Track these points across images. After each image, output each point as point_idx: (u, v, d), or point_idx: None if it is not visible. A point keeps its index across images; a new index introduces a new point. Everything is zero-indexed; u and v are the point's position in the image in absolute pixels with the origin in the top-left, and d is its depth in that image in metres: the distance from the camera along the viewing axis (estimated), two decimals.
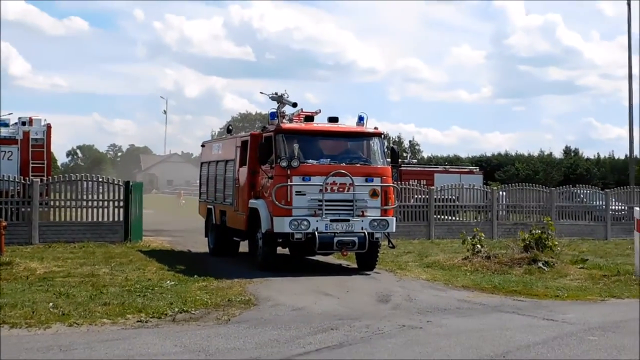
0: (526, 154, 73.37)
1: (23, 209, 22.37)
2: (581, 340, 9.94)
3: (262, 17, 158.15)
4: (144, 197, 25.19)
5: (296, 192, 16.17)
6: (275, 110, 17.79)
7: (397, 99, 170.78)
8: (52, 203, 23.09)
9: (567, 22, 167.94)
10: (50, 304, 11.68)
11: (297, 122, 18.06)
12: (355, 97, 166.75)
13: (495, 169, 66.43)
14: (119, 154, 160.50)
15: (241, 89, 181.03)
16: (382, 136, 17.86)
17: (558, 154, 73.58)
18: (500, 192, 30.20)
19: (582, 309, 12.59)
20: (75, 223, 22.76)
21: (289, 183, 16.09)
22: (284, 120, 17.55)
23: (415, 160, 66.06)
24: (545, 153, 73.19)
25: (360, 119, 17.64)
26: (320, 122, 18.02)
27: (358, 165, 16.85)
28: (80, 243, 21.56)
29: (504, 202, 29.96)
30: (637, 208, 17.22)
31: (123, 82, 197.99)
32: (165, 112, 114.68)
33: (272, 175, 16.38)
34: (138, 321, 10.76)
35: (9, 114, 26.79)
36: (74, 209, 23.04)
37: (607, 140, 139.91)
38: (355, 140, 17.49)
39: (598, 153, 72.38)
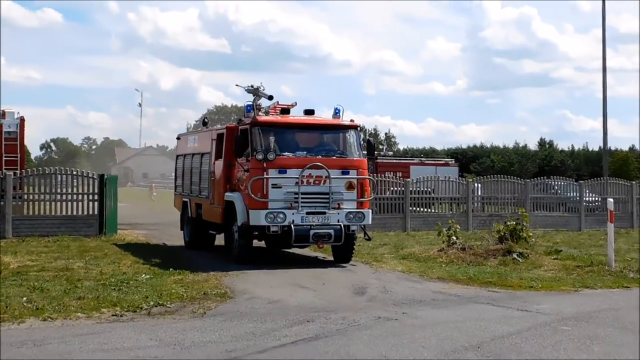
0: (501, 146, 73.99)
1: None
2: (555, 330, 10.02)
3: (238, 9, 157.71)
4: (119, 190, 25.01)
5: (272, 184, 16.14)
6: (251, 103, 17.73)
7: (373, 92, 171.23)
8: (25, 197, 22.89)
9: (542, 15, 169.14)
10: (24, 298, 11.58)
11: (273, 114, 18.02)
12: (331, 90, 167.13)
13: (471, 161, 66.86)
14: (94, 147, 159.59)
15: (217, 81, 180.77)
16: (358, 129, 17.84)
17: (533, 146, 74.33)
18: (476, 184, 30.31)
19: (556, 299, 12.69)
20: (50, 217, 22.62)
21: (265, 176, 16.06)
22: (260, 113, 17.50)
23: (391, 153, 66.29)
24: (520, 145, 73.87)
25: (336, 111, 17.63)
26: (297, 115, 17.98)
27: (334, 157, 16.84)
28: (55, 237, 21.43)
29: (480, 194, 30.09)
30: (610, 199, 17.39)
31: (97, 75, 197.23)
32: (140, 105, 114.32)
33: (248, 168, 16.35)
34: (113, 315, 10.70)
35: None
36: (48, 203, 22.88)
37: (581, 132, 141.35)
38: (331, 133, 17.49)
39: (572, 145, 73.28)
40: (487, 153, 70.00)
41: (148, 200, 52.11)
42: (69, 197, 23.04)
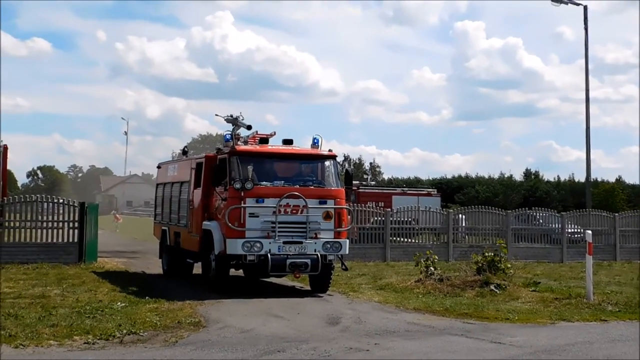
0: (486, 176, 74.00)
1: None
2: None
3: (224, 38, 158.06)
4: (101, 218, 24.99)
5: (249, 214, 16.16)
6: (230, 133, 17.80)
7: (357, 121, 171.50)
8: (6, 224, 22.85)
9: (527, 45, 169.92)
10: None
11: (252, 144, 18.10)
12: (317, 119, 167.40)
13: (456, 191, 66.90)
14: (80, 174, 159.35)
15: (203, 110, 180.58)
16: (336, 158, 17.92)
17: (518, 176, 74.37)
18: (460, 215, 30.39)
19: (531, 332, 12.65)
20: (30, 244, 22.59)
21: (243, 205, 16.09)
22: (238, 143, 17.57)
23: (374, 182, 66.32)
24: (506, 175, 73.93)
25: (315, 141, 17.70)
26: (275, 145, 18.04)
27: (312, 187, 16.88)
28: (35, 264, 21.39)
29: (464, 224, 30.16)
30: (589, 231, 17.43)
31: (84, 103, 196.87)
32: (126, 133, 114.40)
33: (226, 197, 16.39)
34: (85, 343, 10.67)
35: None
36: (29, 230, 22.85)
37: (567, 162, 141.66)
38: (309, 163, 17.56)
39: (558, 176, 73.20)
40: (472, 183, 70.08)
41: (111, 228, 51.13)
42: (50, 224, 23.02)
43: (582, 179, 57.44)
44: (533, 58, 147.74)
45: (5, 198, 23.86)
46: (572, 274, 23.41)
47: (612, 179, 66.12)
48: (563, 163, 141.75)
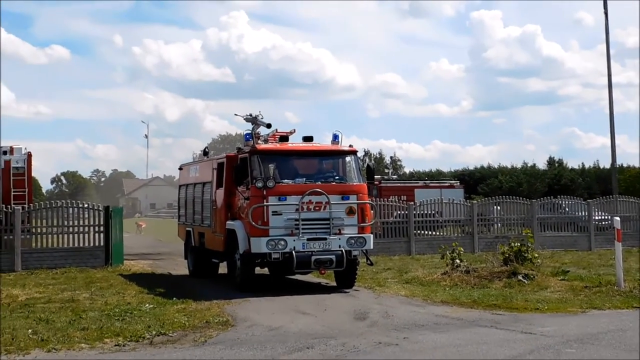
0: (509, 166, 73.33)
1: (5, 237, 22.39)
2: (558, 353, 9.94)
3: (240, 38, 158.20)
4: (125, 221, 25.14)
5: (272, 212, 16.17)
6: (249, 132, 17.83)
7: (377, 115, 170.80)
8: (33, 230, 23.12)
9: (546, 32, 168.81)
10: (30, 330, 11.74)
11: (272, 142, 18.08)
12: (335, 115, 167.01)
13: (479, 182, 66.51)
14: (103, 179, 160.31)
15: (222, 110, 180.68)
16: (357, 153, 17.88)
17: (542, 165, 73.62)
18: (495, 207, 30.25)
19: (562, 321, 12.53)
20: (57, 249, 22.81)
21: (265, 203, 16.10)
22: (258, 141, 17.58)
23: (396, 176, 66.12)
24: (529, 164, 73.23)
25: (335, 137, 17.69)
26: (295, 142, 18.05)
27: (333, 183, 16.88)
28: (63, 269, 21.62)
29: (498, 215, 30.06)
30: (617, 218, 17.26)
31: (104, 108, 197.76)
32: (146, 136, 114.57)
33: (248, 196, 16.41)
34: (115, 345, 10.77)
35: None
36: (55, 235, 23.06)
37: (591, 149, 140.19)
38: (330, 159, 17.56)
39: (582, 163, 72.28)
40: (494, 174, 69.53)
41: (136, 232, 51.63)
42: (75, 229, 23.23)
43: (607, 165, 57.04)
44: (552, 45, 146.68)
45: (31, 205, 24.16)
46: (601, 262, 23.24)
47: (638, 164, 65.39)
48: (587, 150, 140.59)
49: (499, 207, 30.30)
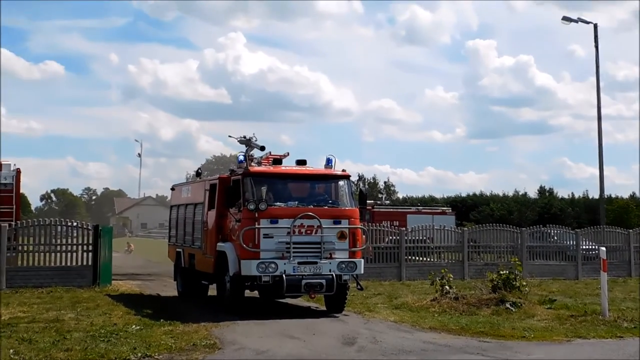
0: (501, 194, 73.87)
1: None
2: None
3: (237, 60, 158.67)
4: (114, 241, 25.00)
5: (264, 234, 16.14)
6: (243, 154, 17.84)
7: (372, 140, 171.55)
8: (20, 248, 22.87)
9: (538, 63, 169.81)
10: (12, 350, 11.56)
11: (265, 165, 18.12)
12: (331, 139, 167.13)
13: (470, 209, 66.72)
14: (94, 197, 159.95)
15: (217, 131, 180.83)
16: (350, 178, 17.89)
17: (533, 193, 74.16)
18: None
19: (548, 349, 12.63)
20: (44, 268, 22.47)
21: (257, 226, 16.07)
22: (252, 164, 17.59)
23: (388, 202, 66.15)
24: (520, 193, 73.76)
25: (328, 161, 17.72)
26: (288, 165, 18.09)
27: (326, 207, 16.86)
28: (48, 288, 21.32)
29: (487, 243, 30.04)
30: (603, 248, 17.32)
31: (97, 126, 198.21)
32: (139, 155, 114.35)
33: (240, 218, 16.38)
34: None
35: None
36: (42, 254, 22.77)
37: (581, 179, 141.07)
38: (323, 183, 17.54)
39: (572, 192, 72.89)
40: (486, 201, 69.86)
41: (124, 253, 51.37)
42: (63, 247, 22.95)
43: (596, 196, 57.17)
44: (545, 76, 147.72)
45: (18, 222, 23.92)
46: (588, 291, 23.29)
47: (626, 195, 65.76)
48: (577, 180, 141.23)
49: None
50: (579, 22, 40.68)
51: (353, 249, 16.79)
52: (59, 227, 23.72)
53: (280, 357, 11.48)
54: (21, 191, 26.44)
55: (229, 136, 19.29)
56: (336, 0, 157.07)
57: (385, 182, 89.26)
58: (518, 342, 13.31)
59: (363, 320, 16.01)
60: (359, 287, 17.27)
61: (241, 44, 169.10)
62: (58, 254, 22.79)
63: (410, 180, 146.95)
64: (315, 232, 16.38)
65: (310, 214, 16.33)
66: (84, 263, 22.81)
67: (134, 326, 14.26)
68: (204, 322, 14.89)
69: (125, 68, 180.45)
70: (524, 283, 18.51)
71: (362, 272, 17.07)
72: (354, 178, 17.94)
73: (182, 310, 17.28)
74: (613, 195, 63.17)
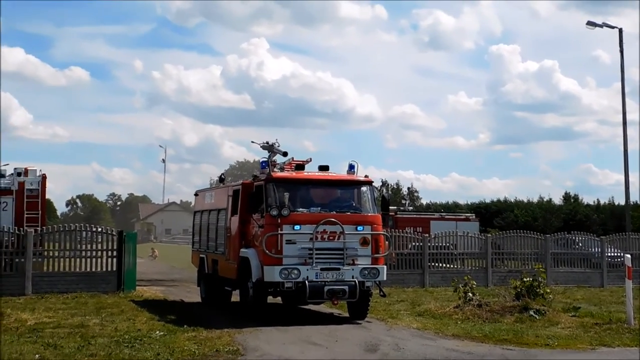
0: (525, 200, 73.22)
1: (17, 260, 22.33)
2: None
3: (260, 65, 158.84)
4: (138, 246, 25.13)
5: (286, 240, 16.17)
6: (266, 160, 17.89)
7: (395, 146, 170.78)
8: (45, 253, 23.07)
9: (563, 68, 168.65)
10: (37, 355, 11.71)
11: (288, 170, 18.15)
12: (354, 145, 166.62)
13: (494, 215, 66.27)
14: (119, 203, 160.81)
15: (240, 137, 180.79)
16: (373, 184, 17.88)
17: (557, 200, 73.48)
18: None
19: (571, 357, 12.56)
20: (69, 273, 22.68)
21: (279, 232, 16.11)
22: (274, 169, 17.62)
23: (412, 208, 66.00)
24: (545, 199, 73.08)
25: (351, 167, 17.75)
26: (311, 171, 18.12)
27: (348, 213, 16.87)
28: (73, 293, 21.49)
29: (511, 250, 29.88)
30: (628, 255, 17.20)
31: (122, 132, 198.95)
32: (164, 161, 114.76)
33: (263, 224, 16.42)
34: None
35: (6, 164, 27.03)
36: (67, 259, 22.97)
37: (607, 185, 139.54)
38: (346, 189, 17.56)
39: (598, 199, 72.25)
40: (510, 207, 69.35)
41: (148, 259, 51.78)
42: (88, 253, 23.14)
43: (622, 202, 56.73)
44: (569, 81, 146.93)
45: (44, 227, 24.16)
46: (613, 299, 23.13)
47: None
48: (602, 186, 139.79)
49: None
50: (604, 27, 40.35)
51: (376, 255, 16.79)
52: (84, 233, 23.85)
53: None
54: (47, 197, 26.63)
55: (252, 142, 19.41)
56: (360, 7, 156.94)
57: (408, 188, 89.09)
58: (542, 350, 13.25)
59: (386, 327, 15.99)
60: (381, 293, 17.27)
61: (264, 50, 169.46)
62: (83, 260, 22.97)
63: (434, 186, 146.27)
64: (338, 238, 16.39)
65: (333, 219, 16.34)
66: (109, 269, 22.99)
67: (157, 332, 14.37)
68: (227, 329, 14.94)
69: (149, 74, 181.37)
70: (548, 290, 18.42)
71: (385, 278, 17.08)
72: (377, 184, 17.92)
73: (206, 317, 17.34)
74: (639, 202, 62.62)
